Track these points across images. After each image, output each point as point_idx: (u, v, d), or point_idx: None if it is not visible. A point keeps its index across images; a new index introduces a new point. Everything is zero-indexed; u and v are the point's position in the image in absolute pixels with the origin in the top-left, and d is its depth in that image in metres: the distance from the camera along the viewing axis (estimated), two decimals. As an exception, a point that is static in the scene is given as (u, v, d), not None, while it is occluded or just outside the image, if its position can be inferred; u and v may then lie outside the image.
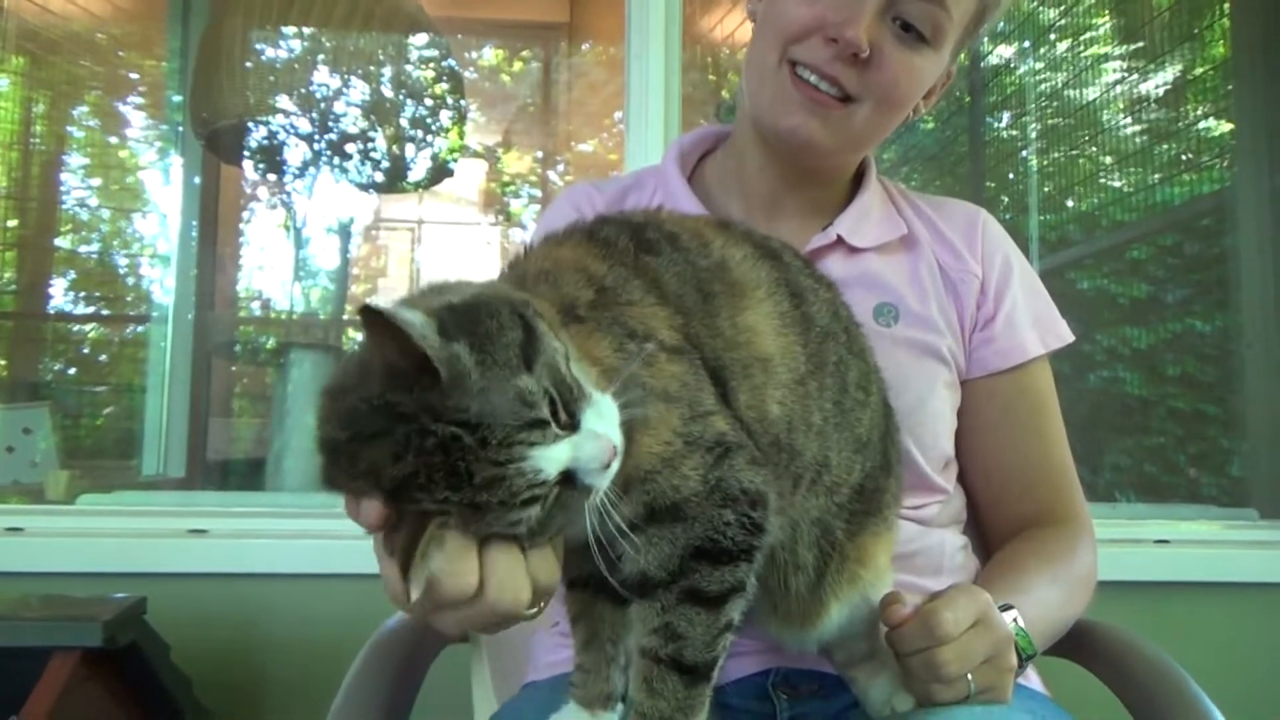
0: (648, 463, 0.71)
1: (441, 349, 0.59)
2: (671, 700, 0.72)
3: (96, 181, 3.50)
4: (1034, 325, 1.21)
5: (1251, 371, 2.42)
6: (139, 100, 3.52)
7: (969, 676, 0.87)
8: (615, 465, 0.66)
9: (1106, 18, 3.16)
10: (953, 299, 1.20)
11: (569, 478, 0.64)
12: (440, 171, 3.03)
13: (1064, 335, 1.24)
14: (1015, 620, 0.95)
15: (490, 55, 4.31)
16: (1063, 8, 3.21)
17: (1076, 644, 1.15)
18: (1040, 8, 3.26)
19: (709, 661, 0.73)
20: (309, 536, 1.76)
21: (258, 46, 2.58)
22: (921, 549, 1.11)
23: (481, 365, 0.61)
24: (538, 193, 4.22)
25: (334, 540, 1.75)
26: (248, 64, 2.53)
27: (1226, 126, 2.75)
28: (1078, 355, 2.91)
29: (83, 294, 3.55)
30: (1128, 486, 2.89)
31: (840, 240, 1.18)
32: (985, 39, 3.33)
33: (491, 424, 0.60)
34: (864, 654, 0.97)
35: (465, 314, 0.63)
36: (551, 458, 0.62)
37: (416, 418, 0.60)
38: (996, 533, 1.22)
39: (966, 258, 1.22)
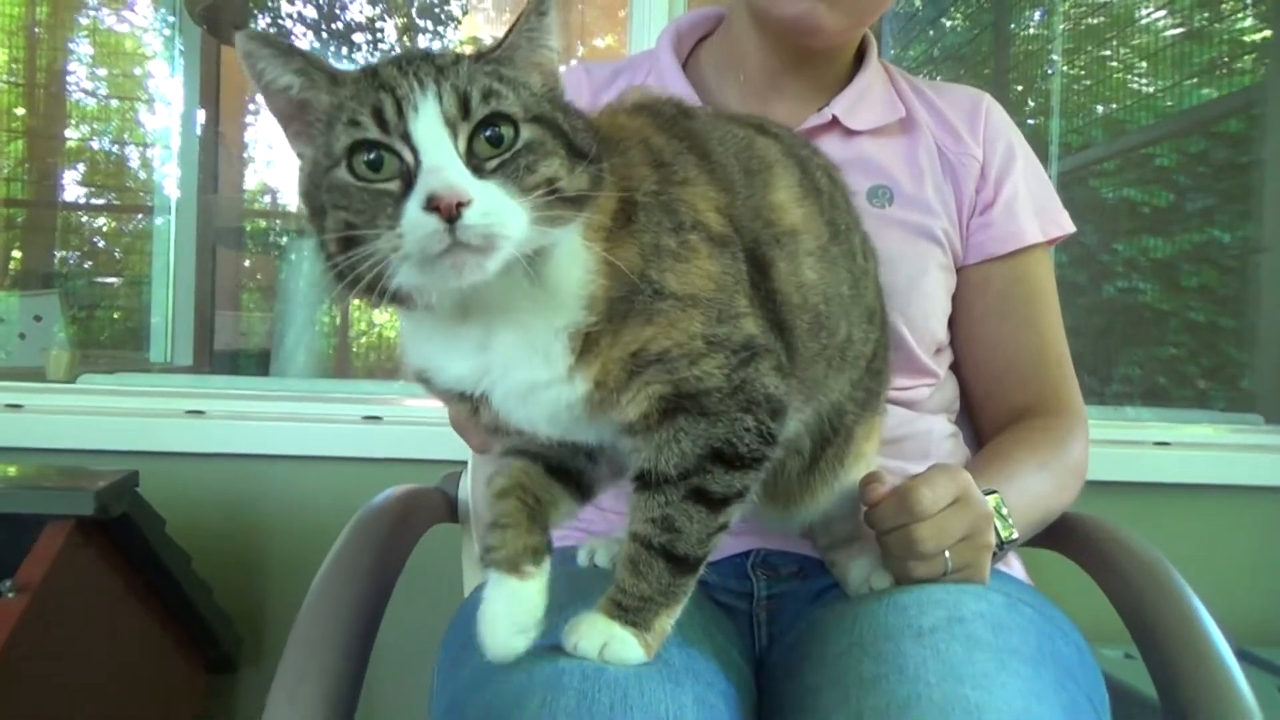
0: (657, 346, 0.70)
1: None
2: (655, 584, 0.72)
3: (103, 72, 3.44)
4: (1035, 214, 1.19)
5: (1267, 279, 2.37)
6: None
7: (946, 554, 0.87)
8: (432, 225, 0.61)
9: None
10: (950, 182, 1.18)
11: (408, 180, 0.63)
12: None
13: (1065, 225, 1.21)
14: (997, 504, 0.95)
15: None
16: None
17: (1063, 535, 1.14)
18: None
19: (700, 556, 0.74)
20: (305, 420, 1.78)
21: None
22: (910, 434, 1.11)
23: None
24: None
25: (330, 424, 1.77)
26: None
27: (1266, 33, 2.63)
28: (1095, 264, 2.85)
29: (92, 185, 3.53)
30: (1137, 398, 2.86)
31: (836, 121, 1.16)
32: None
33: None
34: (846, 536, 0.97)
35: None
36: (427, 116, 0.63)
37: None
38: (990, 424, 1.21)
39: (967, 140, 1.19)
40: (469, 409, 0.76)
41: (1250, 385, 2.53)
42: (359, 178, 0.63)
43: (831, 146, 1.14)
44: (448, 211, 0.60)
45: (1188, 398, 2.84)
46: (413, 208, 0.61)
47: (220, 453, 1.72)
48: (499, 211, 0.62)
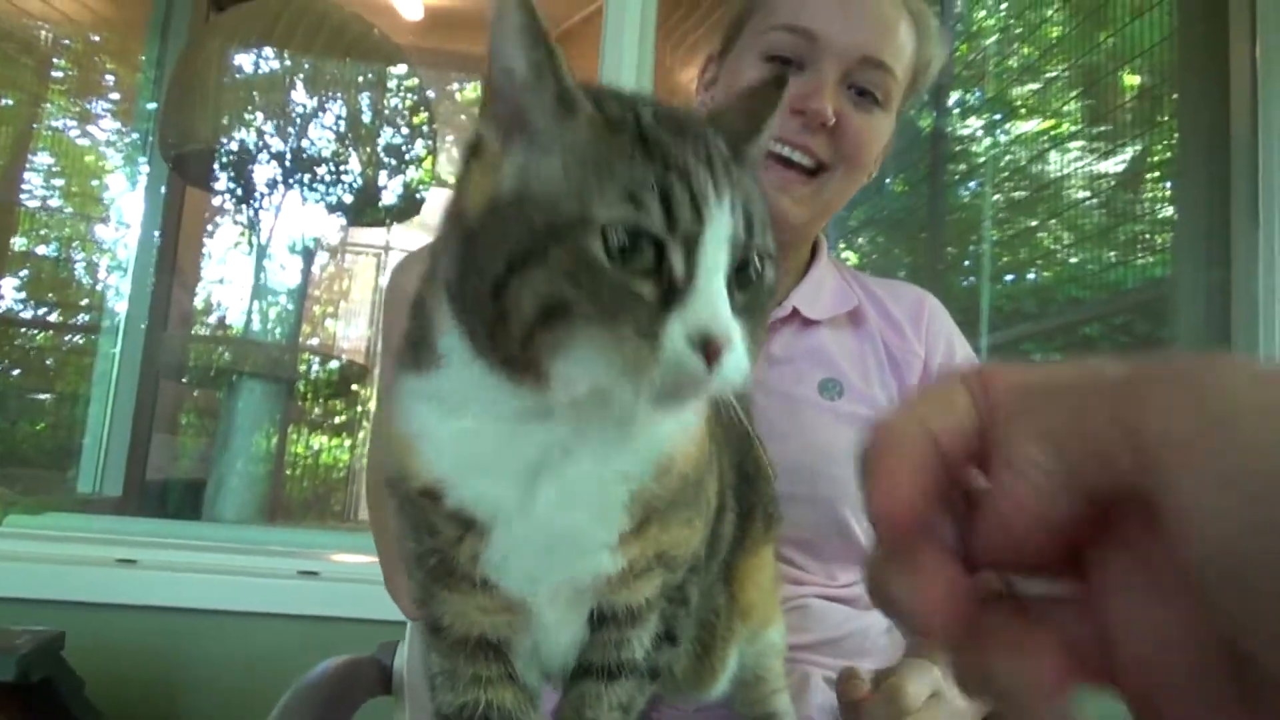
0: (677, 551, 0.69)
1: None
2: None
3: (60, 183, 3.45)
4: None
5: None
6: (110, 106, 3.48)
7: None
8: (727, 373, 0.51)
9: (1074, 100, 3.24)
10: (896, 378, 1.23)
11: (667, 292, 0.51)
12: (411, 203, 3.02)
13: None
14: None
15: (471, 90, 4.32)
16: (1031, 87, 3.29)
17: None
18: (1011, 87, 3.34)
19: None
20: (238, 573, 1.74)
21: (234, 62, 2.57)
22: (849, 633, 1.12)
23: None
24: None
25: (265, 579, 1.73)
26: (225, 79, 2.52)
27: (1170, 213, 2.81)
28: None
29: (35, 297, 3.48)
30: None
31: (795, 313, 1.21)
32: (957, 110, 3.40)
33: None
34: (764, 699, 0.96)
35: None
36: (718, 231, 0.51)
37: None
38: None
39: (911, 338, 1.25)
40: (457, 534, 0.63)
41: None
42: (610, 257, 0.51)
43: (788, 338, 1.20)
44: (714, 358, 0.51)
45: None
46: (679, 337, 0.50)
47: (149, 605, 1.67)
48: (746, 366, 0.53)
